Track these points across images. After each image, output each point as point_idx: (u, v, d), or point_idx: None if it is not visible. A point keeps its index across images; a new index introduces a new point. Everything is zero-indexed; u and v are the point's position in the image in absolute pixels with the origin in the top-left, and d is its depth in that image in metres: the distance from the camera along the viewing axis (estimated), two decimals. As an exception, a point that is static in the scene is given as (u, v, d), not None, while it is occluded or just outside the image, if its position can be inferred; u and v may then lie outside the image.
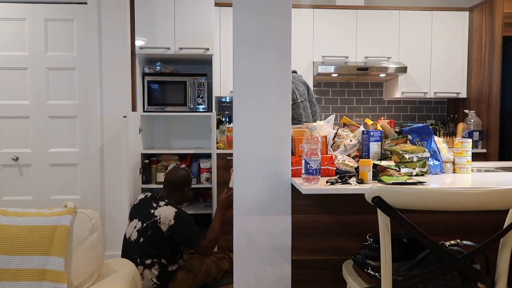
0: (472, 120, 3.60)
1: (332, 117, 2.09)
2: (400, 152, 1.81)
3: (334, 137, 2.02)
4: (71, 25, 3.30)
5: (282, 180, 1.82)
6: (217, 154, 3.30)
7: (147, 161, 3.40)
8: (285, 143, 1.81)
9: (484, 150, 3.55)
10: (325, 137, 1.91)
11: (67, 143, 3.36)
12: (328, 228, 1.81)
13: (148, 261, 2.27)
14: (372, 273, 1.33)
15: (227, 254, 2.65)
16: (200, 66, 3.74)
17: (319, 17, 3.69)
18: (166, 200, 2.38)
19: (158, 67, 3.49)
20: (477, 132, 3.57)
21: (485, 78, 3.57)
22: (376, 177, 1.71)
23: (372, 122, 2.07)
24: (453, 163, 1.97)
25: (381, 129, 1.97)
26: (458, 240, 1.31)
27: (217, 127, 3.61)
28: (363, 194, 1.23)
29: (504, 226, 1.21)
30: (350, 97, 4.12)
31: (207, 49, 3.26)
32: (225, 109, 3.96)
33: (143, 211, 2.36)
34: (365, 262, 1.38)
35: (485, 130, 3.57)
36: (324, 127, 1.96)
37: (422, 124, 1.97)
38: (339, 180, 1.62)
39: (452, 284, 1.23)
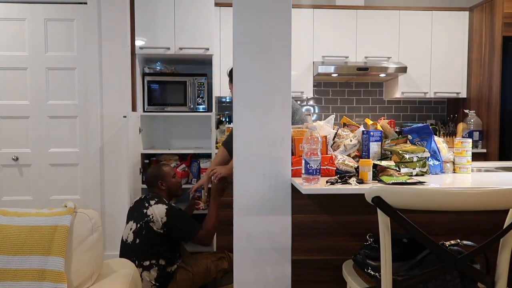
0: (472, 120, 3.60)
1: (332, 117, 2.09)
2: (400, 152, 1.81)
3: (334, 137, 2.02)
4: (71, 25, 3.30)
5: (282, 180, 1.82)
6: (217, 154, 3.30)
7: (147, 161, 3.40)
8: (285, 143, 1.81)
9: (484, 150, 3.55)
10: (325, 137, 1.91)
11: (67, 143, 3.36)
12: (328, 228, 1.81)
13: (146, 263, 2.26)
14: (372, 273, 1.33)
15: (227, 254, 2.65)
16: (200, 66, 3.74)
17: (319, 17, 3.69)
18: (156, 199, 2.40)
19: (158, 67, 3.49)
20: (477, 132, 3.57)
21: (485, 78, 3.57)
22: (376, 177, 1.71)
23: (372, 122, 2.07)
24: (453, 163, 1.97)
25: (381, 129, 1.97)
26: (458, 240, 1.31)
27: (217, 127, 3.61)
28: (363, 194, 1.23)
29: (504, 226, 1.21)
30: (350, 97, 4.12)
31: (207, 49, 3.26)
32: (225, 109, 3.95)
33: (137, 212, 2.38)
34: (365, 262, 1.38)
35: (485, 130, 3.57)
36: (324, 127, 1.96)
37: (422, 124, 1.97)
38: (339, 180, 1.62)
39: (452, 284, 1.23)
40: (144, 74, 3.38)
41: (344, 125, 2.24)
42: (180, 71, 3.61)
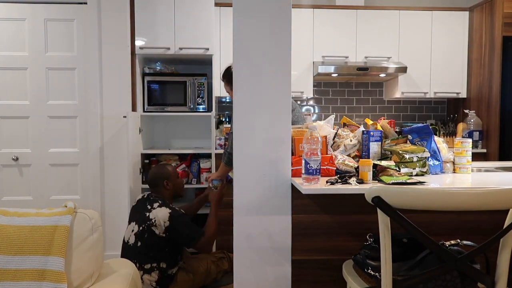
0: (472, 120, 3.59)
1: (332, 117, 2.09)
2: (400, 152, 1.81)
3: (334, 137, 2.02)
4: (71, 25, 3.31)
5: (282, 180, 1.82)
6: (217, 154, 3.30)
7: (147, 161, 3.40)
8: (285, 143, 1.81)
9: (484, 150, 3.55)
10: (325, 137, 1.91)
11: (67, 143, 3.36)
12: (328, 228, 1.81)
13: (147, 266, 2.25)
14: (372, 273, 1.33)
15: (227, 254, 2.65)
16: (200, 66, 3.74)
17: (319, 17, 3.69)
18: (160, 201, 2.36)
19: (158, 67, 3.49)
20: (477, 132, 3.57)
21: (485, 78, 3.57)
22: (376, 177, 1.71)
23: (372, 122, 2.07)
24: (453, 163, 1.97)
25: (381, 129, 1.97)
26: (458, 240, 1.31)
27: (217, 127, 3.61)
28: (363, 194, 1.23)
29: (504, 226, 1.21)
30: (350, 97, 4.12)
31: (207, 49, 3.26)
32: (225, 109, 3.96)
33: (140, 214, 2.35)
34: (365, 262, 1.38)
35: (485, 130, 3.57)
36: (324, 127, 1.96)
37: (422, 124, 1.97)
38: (339, 180, 1.62)
39: (452, 284, 1.23)
40: (144, 74, 3.38)
41: (344, 125, 2.24)
42: (180, 71, 3.61)
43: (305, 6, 3.70)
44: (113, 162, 3.27)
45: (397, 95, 3.81)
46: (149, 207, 2.34)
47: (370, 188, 1.20)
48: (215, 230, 2.43)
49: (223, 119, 3.78)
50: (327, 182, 1.61)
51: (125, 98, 3.25)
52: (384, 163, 1.74)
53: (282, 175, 1.81)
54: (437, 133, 3.80)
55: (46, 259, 1.42)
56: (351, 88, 4.11)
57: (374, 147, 1.89)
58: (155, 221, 2.26)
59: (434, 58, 3.79)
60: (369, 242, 1.44)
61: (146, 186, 3.27)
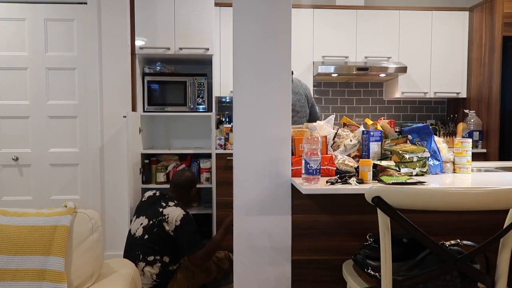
0: (472, 120, 3.60)
1: (332, 117, 2.09)
2: (400, 152, 1.81)
3: (334, 137, 2.02)
4: (71, 25, 3.30)
5: (282, 180, 1.82)
6: (217, 154, 3.30)
7: (147, 161, 3.40)
8: (285, 143, 1.81)
9: (484, 150, 3.55)
10: (325, 137, 1.91)
11: (67, 143, 3.36)
12: (328, 228, 1.81)
13: (150, 258, 2.27)
14: (372, 273, 1.33)
15: (227, 254, 2.65)
16: (200, 66, 3.74)
17: (319, 17, 3.69)
18: (176, 201, 2.40)
19: (158, 67, 3.49)
20: (477, 132, 3.57)
21: (485, 78, 3.57)
22: (376, 177, 1.71)
23: (372, 122, 2.07)
24: (453, 163, 1.97)
25: (381, 129, 1.97)
26: (458, 240, 1.31)
27: (217, 127, 3.61)
28: (363, 194, 1.23)
29: (504, 226, 1.21)
30: (350, 97, 4.12)
31: (207, 49, 3.26)
32: (225, 109, 3.95)
33: (151, 209, 2.37)
34: (365, 262, 1.38)
35: (485, 130, 3.57)
36: (324, 127, 1.96)
37: (422, 124, 1.97)
38: (339, 180, 1.62)
39: (452, 284, 1.23)
40: (144, 74, 3.38)
41: (344, 125, 2.24)
42: (180, 71, 3.61)
43: (305, 6, 3.70)
44: (113, 162, 3.27)
45: (397, 95, 3.81)
46: (164, 204, 2.37)
47: (370, 188, 1.20)
48: (213, 250, 2.40)
49: (223, 119, 3.78)
50: (327, 182, 1.61)
51: (125, 98, 3.25)
52: (384, 163, 1.74)
53: (282, 175, 1.81)
54: (437, 133, 3.80)
55: (46, 259, 1.42)
56: (351, 88, 4.11)
57: (374, 147, 1.89)
58: (167, 217, 2.30)
59: (434, 58, 3.79)
60: (369, 242, 1.44)
61: (146, 186, 3.29)
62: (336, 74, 3.63)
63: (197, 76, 3.37)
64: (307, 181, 1.61)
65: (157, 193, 2.50)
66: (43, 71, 3.30)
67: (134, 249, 2.30)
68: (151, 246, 2.28)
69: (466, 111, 3.67)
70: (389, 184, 1.57)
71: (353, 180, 1.61)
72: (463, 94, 3.83)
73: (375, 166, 1.74)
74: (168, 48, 3.25)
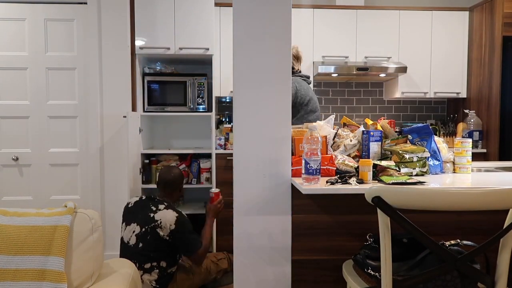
0: (472, 120, 3.60)
1: (332, 117, 2.09)
2: (400, 152, 1.81)
3: (334, 137, 2.02)
4: (71, 25, 3.30)
5: (282, 180, 1.82)
6: (217, 154, 3.30)
7: (147, 161, 3.40)
8: (285, 143, 1.81)
9: (484, 150, 3.55)
10: (325, 137, 1.91)
11: (67, 143, 3.36)
12: (328, 228, 1.81)
13: (147, 266, 2.24)
14: (372, 273, 1.33)
15: (227, 255, 2.65)
16: (200, 66, 3.74)
17: (319, 17, 3.69)
18: (165, 203, 2.35)
19: (158, 67, 3.49)
20: (477, 132, 3.57)
21: (485, 78, 3.57)
22: (376, 177, 1.71)
23: (372, 122, 2.07)
24: (453, 163, 1.97)
25: (381, 129, 1.97)
26: (458, 240, 1.31)
27: (217, 127, 3.61)
28: (363, 194, 1.23)
29: (504, 226, 1.21)
30: (350, 97, 4.12)
31: (207, 49, 3.26)
32: (225, 109, 3.95)
33: (141, 215, 2.31)
34: (365, 262, 1.38)
35: (485, 130, 3.57)
36: (324, 127, 1.96)
37: (422, 124, 1.97)
38: (339, 180, 1.62)
39: (452, 284, 1.23)
40: (144, 74, 3.38)
41: (344, 125, 2.24)
42: (180, 71, 3.61)
43: (305, 6, 3.70)
44: (113, 162, 3.27)
45: (397, 95, 3.81)
46: (153, 208, 2.31)
47: (370, 188, 1.20)
48: (209, 243, 2.43)
49: (223, 119, 3.79)
50: (327, 182, 1.61)
51: (125, 98, 3.25)
52: (384, 163, 1.74)
53: (282, 175, 1.81)
54: (437, 133, 3.80)
55: (46, 259, 1.42)
56: (351, 88, 4.11)
57: (374, 147, 1.89)
58: (161, 222, 2.24)
59: (434, 58, 3.79)
60: (369, 242, 1.44)
61: (146, 186, 3.28)
62: (336, 74, 3.63)
63: (197, 76, 3.37)
64: (307, 181, 1.61)
65: (144, 197, 2.42)
66: (43, 71, 3.30)
67: (130, 258, 2.24)
68: (147, 254, 2.24)
69: (466, 111, 3.67)
70: (389, 184, 1.57)
71: (353, 180, 1.61)
72: (463, 94, 3.83)
73: (375, 166, 1.74)
74: (168, 48, 3.25)
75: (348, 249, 1.81)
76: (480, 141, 3.58)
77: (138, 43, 3.24)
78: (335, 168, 1.79)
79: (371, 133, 1.88)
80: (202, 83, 3.36)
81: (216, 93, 3.57)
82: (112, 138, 3.27)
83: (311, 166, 1.59)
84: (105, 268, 1.67)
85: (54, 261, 1.41)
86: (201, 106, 3.37)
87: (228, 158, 3.31)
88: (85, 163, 3.36)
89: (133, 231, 2.30)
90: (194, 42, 3.26)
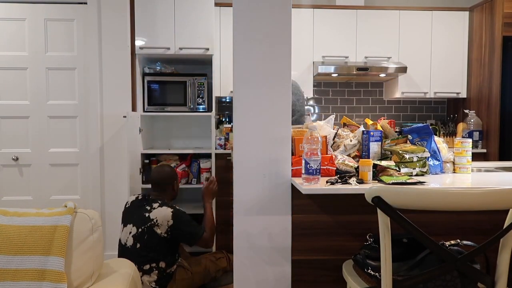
0: (472, 120, 3.60)
1: (332, 117, 2.09)
2: (400, 152, 1.81)
3: (334, 137, 2.02)
4: (71, 25, 3.31)
5: (282, 180, 1.82)
6: (217, 154, 3.30)
7: (147, 161, 3.40)
8: (285, 143, 1.81)
9: (484, 150, 3.55)
10: (325, 137, 1.91)
11: (67, 143, 3.36)
12: (328, 228, 1.81)
13: (146, 267, 2.24)
14: (372, 273, 1.33)
15: (226, 254, 2.65)
16: (200, 66, 3.74)
17: (319, 17, 3.69)
18: (160, 201, 2.35)
19: (158, 67, 3.49)
20: (477, 132, 3.57)
21: (485, 78, 3.57)
22: (376, 177, 1.71)
23: (372, 122, 2.07)
24: (453, 163, 1.97)
25: (381, 129, 1.97)
26: (458, 240, 1.31)
27: (217, 127, 3.61)
28: (363, 194, 1.23)
29: (504, 226, 1.21)
30: (350, 97, 4.12)
31: (207, 49, 3.26)
32: (225, 109, 3.96)
33: (137, 215, 2.31)
34: (365, 262, 1.38)
35: (485, 130, 3.57)
36: (324, 127, 1.96)
37: (422, 124, 1.97)
38: (339, 180, 1.62)
39: (452, 284, 1.23)
40: (144, 74, 3.38)
41: (344, 125, 2.24)
42: (180, 71, 3.61)
43: (305, 6, 3.70)
44: (113, 162, 3.27)
45: (397, 95, 3.81)
46: (148, 207, 2.31)
47: (370, 188, 1.20)
48: (213, 224, 2.48)
49: (223, 119, 3.79)
50: (327, 182, 1.61)
51: (125, 98, 3.25)
52: (384, 163, 1.74)
53: (282, 175, 1.81)
54: (437, 133, 3.80)
55: (46, 259, 1.42)
56: (351, 88, 4.11)
57: (374, 147, 1.89)
58: (157, 221, 2.25)
59: (434, 58, 3.79)
60: (369, 242, 1.44)
61: (146, 186, 3.28)
62: (336, 74, 3.63)
63: (197, 76, 3.37)
64: (307, 181, 1.61)
65: (139, 196, 2.43)
66: (43, 71, 3.30)
67: (128, 260, 2.26)
68: (145, 254, 2.24)
69: (466, 111, 3.67)
70: (389, 184, 1.57)
71: (353, 180, 1.61)
72: (463, 94, 3.83)
73: (375, 166, 1.74)
74: (168, 48, 3.25)
75: (348, 249, 1.81)
76: (480, 141, 3.58)
77: (138, 43, 3.24)
78: (335, 168, 1.79)
79: (371, 133, 1.88)
80: (202, 83, 3.36)
81: (216, 93, 3.57)
82: (112, 138, 3.27)
83: (311, 166, 1.59)
84: (105, 268, 1.67)
85: (54, 261, 1.41)
86: (201, 106, 3.37)
87: (228, 158, 3.31)
88: (85, 163, 3.36)
89: (130, 232, 2.30)
90: (194, 42, 3.26)
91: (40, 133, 3.33)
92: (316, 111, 4.11)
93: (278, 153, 1.81)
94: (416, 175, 1.77)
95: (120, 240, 2.37)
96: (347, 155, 1.92)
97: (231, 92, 3.54)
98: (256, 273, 1.85)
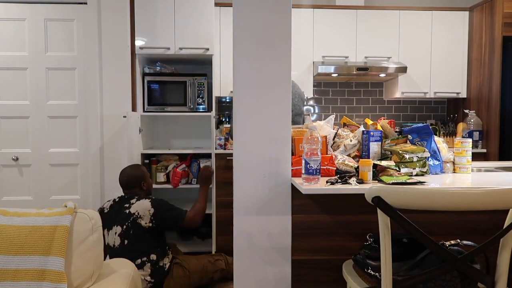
0: (472, 120, 3.60)
1: (332, 117, 2.09)
2: (400, 152, 1.81)
3: (334, 137, 2.02)
4: (71, 25, 3.30)
5: (282, 180, 1.82)
6: (217, 154, 3.30)
7: (147, 161, 3.40)
8: (285, 143, 1.81)
9: (484, 150, 3.55)
10: (325, 137, 1.91)
11: (67, 143, 3.36)
12: (328, 228, 1.81)
13: (138, 262, 2.27)
14: (372, 273, 1.33)
15: (224, 256, 2.66)
16: (200, 66, 3.74)
17: (319, 17, 3.69)
18: (136, 197, 2.43)
19: (158, 67, 3.49)
20: (477, 132, 3.57)
21: (485, 78, 3.57)
22: (376, 177, 1.71)
23: (372, 122, 2.07)
24: (453, 163, 1.97)
25: (381, 129, 1.97)
26: (458, 240, 1.31)
27: (217, 127, 3.61)
28: (363, 194, 1.23)
29: (504, 226, 1.21)
30: (350, 97, 4.12)
31: (207, 49, 3.26)
32: (225, 109, 3.95)
33: (119, 216, 2.36)
34: (365, 262, 1.38)
35: (485, 130, 3.57)
36: (324, 127, 1.96)
37: (422, 124, 1.97)
38: (339, 180, 1.62)
39: (452, 284, 1.23)
40: (144, 74, 3.38)
41: (344, 125, 2.24)
42: (180, 71, 3.61)
43: (305, 6, 3.70)
44: (113, 162, 3.27)
45: (397, 95, 3.81)
46: (126, 205, 2.38)
47: (370, 188, 1.20)
48: (202, 204, 2.56)
49: (223, 119, 3.78)
50: (327, 182, 1.61)
51: (125, 98, 3.25)
52: (384, 163, 1.74)
53: (282, 175, 1.81)
54: (437, 133, 3.80)
55: (46, 259, 1.42)
56: (351, 88, 4.11)
57: (374, 147, 1.89)
58: (138, 213, 2.31)
59: (434, 58, 3.79)
60: (369, 242, 1.44)
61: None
62: (336, 74, 3.63)
63: (197, 76, 3.37)
64: (307, 181, 1.61)
65: (116, 199, 2.49)
66: (43, 71, 3.30)
67: None
68: (134, 249, 2.27)
69: (466, 111, 3.67)
70: (389, 184, 1.57)
71: (353, 180, 1.61)
72: (463, 94, 3.83)
73: (375, 166, 1.74)
74: (168, 48, 3.25)
75: (348, 249, 1.81)
76: (480, 141, 3.58)
77: (138, 43, 3.24)
78: (335, 168, 1.79)
79: (371, 133, 1.88)
80: (202, 83, 3.36)
81: (216, 93, 3.57)
82: (112, 138, 3.27)
83: (311, 166, 1.59)
84: (105, 268, 1.67)
85: (54, 261, 1.41)
86: (201, 106, 3.37)
87: (228, 158, 3.31)
88: (85, 163, 3.36)
89: (115, 233, 2.34)
90: (194, 42, 3.26)
91: (40, 133, 3.33)
92: (316, 111, 4.11)
93: (278, 153, 1.81)
94: (416, 175, 1.77)
95: (108, 244, 2.38)
96: (347, 155, 1.92)
97: (231, 92, 3.54)
98: (256, 273, 1.85)
